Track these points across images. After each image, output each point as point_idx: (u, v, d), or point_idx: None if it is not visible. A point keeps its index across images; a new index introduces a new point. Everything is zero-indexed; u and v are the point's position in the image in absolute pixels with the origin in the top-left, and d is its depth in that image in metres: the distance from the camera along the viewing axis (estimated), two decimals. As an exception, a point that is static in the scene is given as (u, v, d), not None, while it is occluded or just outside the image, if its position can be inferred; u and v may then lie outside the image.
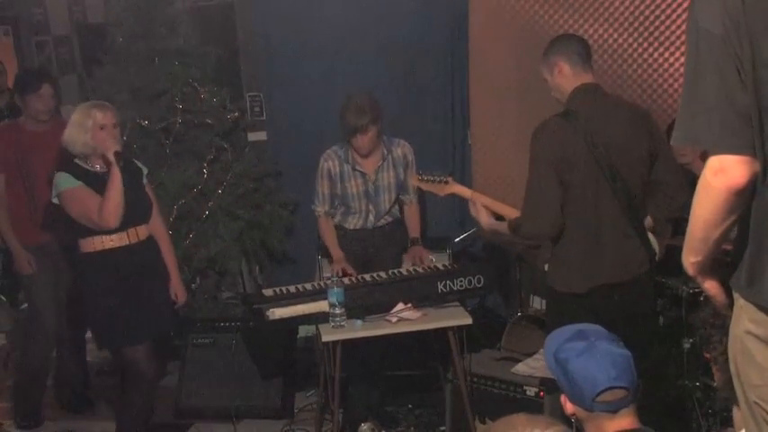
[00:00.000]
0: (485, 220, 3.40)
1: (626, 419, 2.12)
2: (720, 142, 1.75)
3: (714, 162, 1.77)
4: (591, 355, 2.13)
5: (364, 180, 4.18)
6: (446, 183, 3.61)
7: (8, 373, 4.94)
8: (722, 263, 1.99)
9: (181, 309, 4.59)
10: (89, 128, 3.62)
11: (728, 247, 1.98)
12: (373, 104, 3.98)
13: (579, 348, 2.15)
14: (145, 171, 3.95)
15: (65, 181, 3.63)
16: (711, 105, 1.75)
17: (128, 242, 3.71)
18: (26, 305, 4.66)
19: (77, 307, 4.29)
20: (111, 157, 3.58)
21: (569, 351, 2.16)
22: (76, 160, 3.69)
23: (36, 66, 6.51)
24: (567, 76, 3.22)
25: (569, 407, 2.19)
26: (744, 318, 1.88)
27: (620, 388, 2.11)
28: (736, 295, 1.93)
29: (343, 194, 4.20)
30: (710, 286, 2.03)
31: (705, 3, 1.78)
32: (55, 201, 3.68)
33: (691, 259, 1.97)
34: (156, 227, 3.92)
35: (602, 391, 2.10)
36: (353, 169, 4.16)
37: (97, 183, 3.64)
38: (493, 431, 1.87)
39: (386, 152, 4.18)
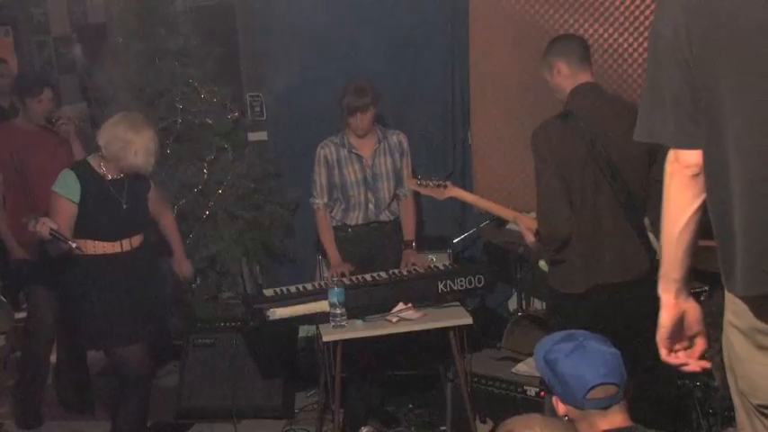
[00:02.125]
0: (531, 239, 3.37)
1: (617, 416, 2.14)
2: (674, 138, 1.88)
3: (671, 154, 1.92)
4: (580, 354, 2.16)
5: (362, 166, 4.20)
6: (444, 187, 3.61)
7: (8, 373, 4.94)
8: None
9: (181, 309, 4.60)
10: (125, 144, 3.59)
11: None
12: (372, 87, 4.10)
13: (568, 349, 2.19)
14: (151, 185, 3.94)
15: (62, 184, 3.64)
16: (667, 104, 1.86)
17: (120, 250, 3.71)
18: (26, 305, 4.67)
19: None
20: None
21: (558, 352, 2.19)
22: (89, 159, 3.71)
23: (37, 67, 6.51)
24: (565, 77, 3.23)
25: (561, 408, 2.22)
26: (728, 310, 1.91)
27: (611, 384, 2.14)
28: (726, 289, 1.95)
29: (342, 183, 4.20)
30: (667, 312, 1.97)
31: (661, 7, 1.89)
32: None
33: (661, 269, 1.96)
34: (166, 222, 4.06)
35: (593, 388, 2.13)
36: (350, 152, 4.18)
37: (101, 187, 3.65)
38: (509, 427, 1.88)
39: (381, 136, 4.23)
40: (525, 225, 3.35)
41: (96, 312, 3.70)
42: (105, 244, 3.68)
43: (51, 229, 3.40)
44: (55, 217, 3.54)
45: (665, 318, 1.97)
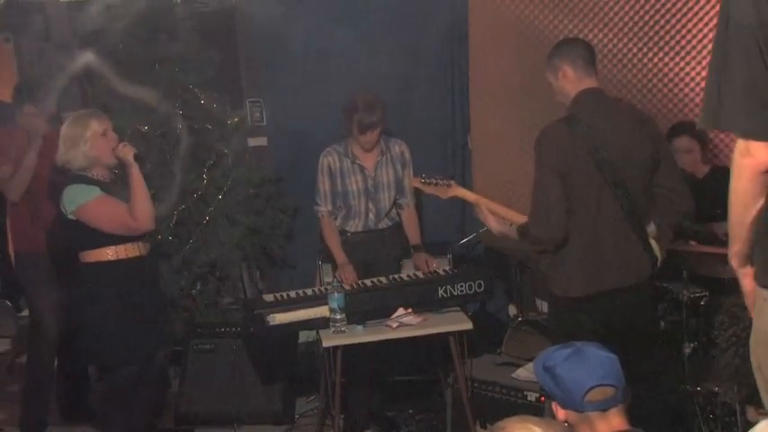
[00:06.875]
0: (493, 224, 3.40)
1: (617, 419, 2.17)
2: (745, 128, 1.85)
3: (741, 144, 1.88)
4: (578, 358, 2.20)
5: (364, 176, 4.20)
6: (449, 186, 3.60)
7: (12, 378, 4.93)
8: None
9: (181, 315, 4.59)
10: (87, 138, 3.55)
11: None
12: (379, 101, 4.06)
13: (566, 354, 2.22)
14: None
15: (81, 194, 3.51)
16: (738, 93, 1.83)
17: (126, 256, 3.61)
18: (27, 312, 4.66)
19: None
20: (132, 160, 3.55)
21: (556, 358, 2.23)
22: (80, 173, 3.59)
23: (37, 73, 6.51)
24: (570, 80, 3.22)
25: (561, 413, 2.24)
26: None
27: (609, 386, 2.16)
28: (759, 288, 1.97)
29: (344, 192, 4.21)
30: (748, 282, 2.07)
31: None
32: (71, 217, 3.53)
33: (734, 249, 2.03)
34: None
35: (591, 389, 2.15)
36: (353, 163, 4.18)
37: (105, 191, 3.56)
38: (506, 429, 1.88)
39: (384, 148, 4.22)
40: (486, 206, 3.41)
41: (101, 327, 3.60)
42: (118, 248, 3.58)
43: (136, 153, 3.57)
44: (113, 212, 3.52)
45: (749, 285, 2.07)
